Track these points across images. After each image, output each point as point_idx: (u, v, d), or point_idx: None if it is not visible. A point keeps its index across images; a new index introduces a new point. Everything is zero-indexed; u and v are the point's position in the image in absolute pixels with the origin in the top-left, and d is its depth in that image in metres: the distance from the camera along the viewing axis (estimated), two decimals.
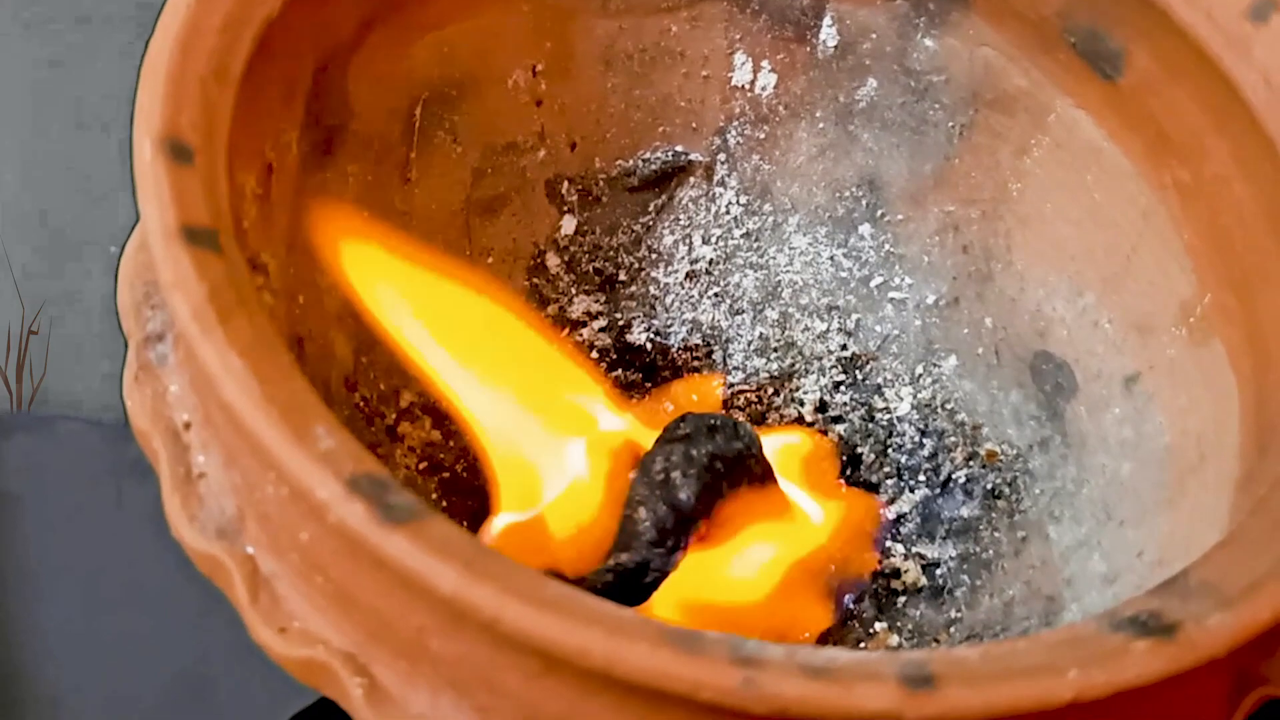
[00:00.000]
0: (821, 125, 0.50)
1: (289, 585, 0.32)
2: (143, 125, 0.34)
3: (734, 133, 0.51)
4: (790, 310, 0.51)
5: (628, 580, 0.40)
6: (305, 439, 0.29)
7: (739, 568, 0.44)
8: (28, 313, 0.58)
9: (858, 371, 0.50)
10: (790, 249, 0.51)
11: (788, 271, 0.51)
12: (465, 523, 0.44)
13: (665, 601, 0.42)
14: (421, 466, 0.46)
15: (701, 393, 0.49)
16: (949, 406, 0.49)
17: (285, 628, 0.31)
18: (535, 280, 0.50)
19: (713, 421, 0.43)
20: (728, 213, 0.51)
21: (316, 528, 0.30)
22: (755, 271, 0.51)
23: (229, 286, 0.31)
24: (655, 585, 0.41)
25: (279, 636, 0.31)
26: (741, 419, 0.46)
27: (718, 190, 0.51)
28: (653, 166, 0.51)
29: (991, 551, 0.46)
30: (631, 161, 0.51)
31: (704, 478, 0.41)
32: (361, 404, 0.45)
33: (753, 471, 0.43)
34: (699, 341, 0.50)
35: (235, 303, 0.31)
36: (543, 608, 0.28)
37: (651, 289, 0.51)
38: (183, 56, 0.35)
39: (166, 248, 0.31)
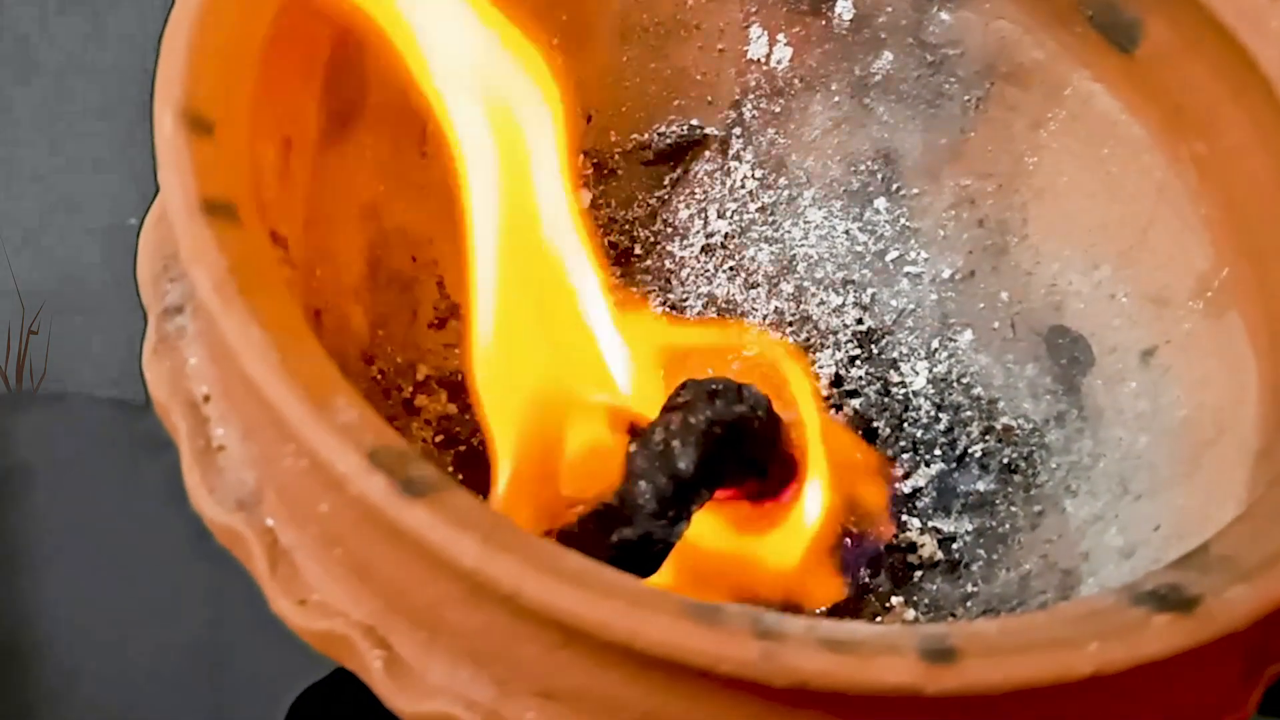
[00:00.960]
0: (837, 99, 0.50)
1: (308, 556, 0.32)
2: (164, 97, 0.33)
3: (749, 106, 0.51)
4: (805, 284, 0.51)
5: (632, 553, 0.40)
6: (326, 411, 0.29)
7: (750, 537, 0.44)
8: (28, 313, 0.58)
9: (873, 346, 0.50)
10: (805, 223, 0.51)
11: (803, 245, 0.51)
12: (482, 496, 0.44)
13: (676, 571, 0.42)
14: (438, 440, 0.46)
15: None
16: (965, 381, 0.49)
17: (304, 599, 0.31)
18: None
19: (713, 387, 0.42)
20: (743, 186, 0.51)
21: (336, 499, 0.30)
22: (770, 245, 0.51)
23: (249, 259, 0.31)
24: (663, 556, 0.41)
25: (298, 608, 0.31)
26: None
27: (733, 164, 0.51)
28: (668, 140, 0.51)
29: (1008, 525, 0.46)
30: (647, 135, 0.51)
31: (703, 445, 0.41)
32: (378, 377, 0.45)
33: (758, 436, 0.43)
34: (714, 315, 0.50)
35: (256, 276, 0.31)
36: (563, 580, 0.28)
37: (667, 263, 0.51)
38: (203, 29, 0.35)
39: (187, 220, 0.31)
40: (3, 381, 0.57)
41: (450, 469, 0.45)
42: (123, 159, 0.61)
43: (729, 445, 0.41)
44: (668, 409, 0.42)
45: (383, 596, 0.31)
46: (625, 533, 0.40)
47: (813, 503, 0.44)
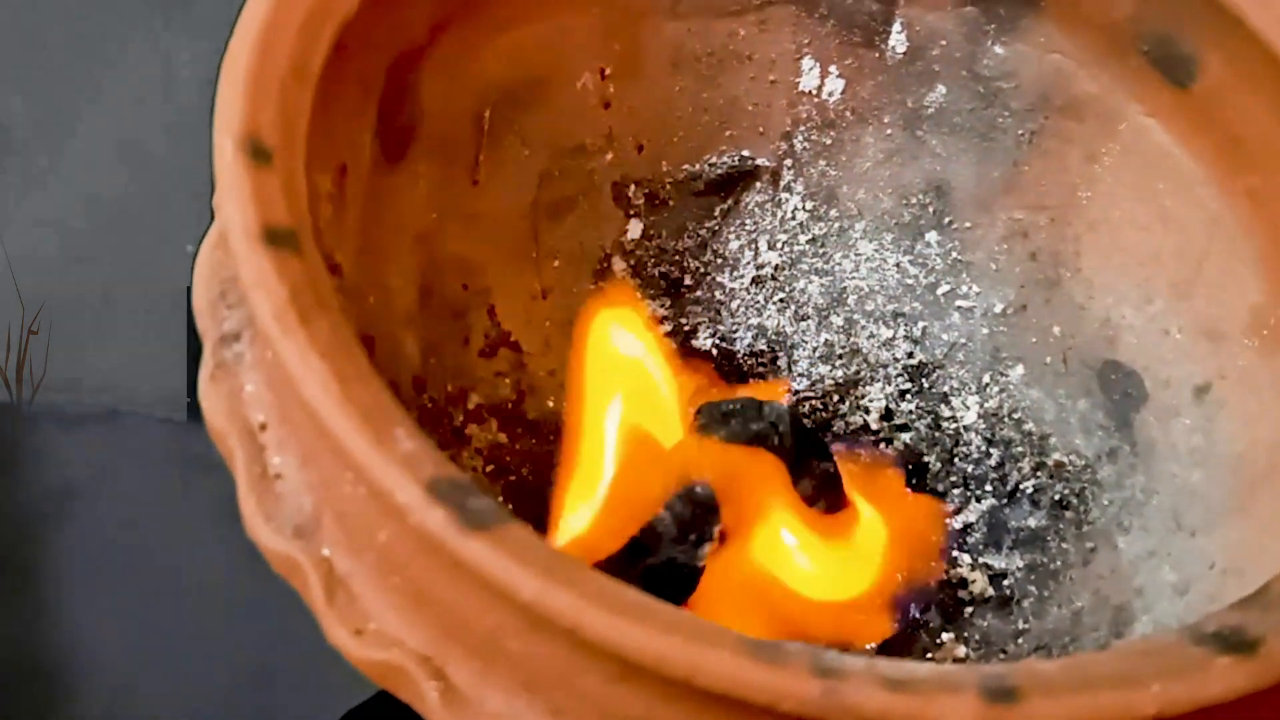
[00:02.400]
0: (889, 130, 0.50)
1: (365, 585, 0.32)
2: (223, 124, 0.34)
3: (800, 137, 0.50)
4: (856, 317, 0.50)
5: (660, 580, 0.40)
6: (386, 441, 0.29)
7: (799, 571, 0.44)
8: (28, 313, 0.58)
9: (924, 379, 0.50)
10: (856, 255, 0.51)
11: (853, 278, 0.51)
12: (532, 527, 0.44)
13: (725, 606, 0.42)
14: (488, 469, 0.46)
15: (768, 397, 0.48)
16: (1016, 415, 0.49)
17: (361, 629, 0.31)
18: (601, 284, 0.50)
19: (728, 407, 0.42)
20: (793, 218, 0.51)
21: (395, 529, 0.30)
22: (821, 277, 0.51)
23: (309, 288, 0.31)
24: (692, 581, 0.41)
25: (355, 638, 0.31)
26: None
27: (784, 195, 0.51)
28: (719, 170, 0.50)
29: (1059, 561, 0.46)
30: (698, 165, 0.50)
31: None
32: (429, 404, 0.45)
33: (779, 452, 0.42)
34: (764, 347, 0.50)
35: (315, 304, 0.31)
36: (622, 614, 0.28)
37: (717, 294, 0.51)
38: (262, 56, 0.35)
39: (248, 248, 0.31)
40: (3, 382, 0.57)
41: (500, 499, 0.45)
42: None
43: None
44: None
45: (439, 626, 0.31)
46: (650, 561, 0.40)
47: (864, 539, 0.44)
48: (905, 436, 0.49)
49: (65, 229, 0.63)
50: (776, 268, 0.51)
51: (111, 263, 0.61)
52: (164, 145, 0.69)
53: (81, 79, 0.70)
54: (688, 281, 0.51)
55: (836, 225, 0.51)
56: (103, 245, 0.63)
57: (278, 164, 0.34)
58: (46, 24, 0.71)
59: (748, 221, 0.51)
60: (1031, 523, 0.47)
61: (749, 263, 0.51)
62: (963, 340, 0.50)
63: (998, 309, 0.49)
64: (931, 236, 0.50)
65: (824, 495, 0.44)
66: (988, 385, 0.49)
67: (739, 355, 0.50)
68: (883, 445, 0.48)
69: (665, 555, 0.40)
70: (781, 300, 0.51)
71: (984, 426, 0.49)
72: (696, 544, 0.40)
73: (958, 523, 0.47)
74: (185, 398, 0.60)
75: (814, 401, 0.49)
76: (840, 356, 0.50)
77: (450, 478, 0.29)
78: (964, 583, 0.46)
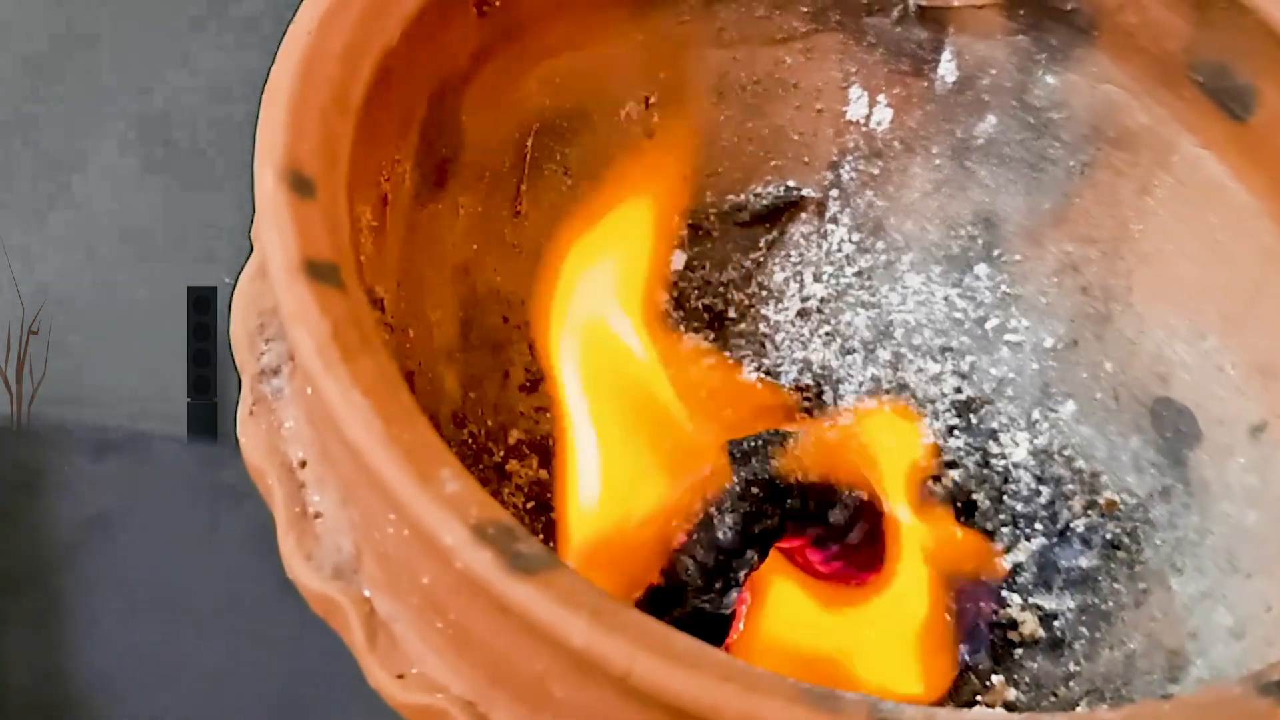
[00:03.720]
0: (937, 161, 0.49)
1: (408, 628, 0.31)
2: (265, 156, 0.33)
3: (847, 167, 0.50)
4: (903, 351, 0.50)
5: (690, 629, 0.39)
6: (430, 481, 0.29)
7: (850, 617, 0.43)
8: (28, 313, 0.58)
9: (972, 415, 0.49)
10: (903, 288, 0.50)
11: (900, 311, 0.50)
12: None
13: (772, 654, 0.41)
14: (529, 505, 0.45)
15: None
16: (1066, 453, 0.48)
17: (403, 673, 0.31)
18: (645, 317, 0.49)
19: (747, 445, 0.41)
20: (839, 250, 0.50)
21: (439, 570, 0.29)
22: (867, 310, 0.50)
23: (351, 323, 0.31)
24: (722, 627, 0.40)
25: (397, 682, 0.31)
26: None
27: (829, 226, 0.50)
28: (764, 201, 0.50)
29: (1111, 603, 0.45)
30: (743, 196, 0.50)
31: (740, 508, 0.40)
32: (469, 440, 0.44)
33: (805, 486, 0.41)
34: (810, 381, 0.49)
35: (358, 340, 0.30)
36: (675, 662, 0.27)
37: (762, 327, 0.50)
38: (304, 86, 0.34)
39: (289, 283, 0.31)
40: (2, 382, 0.57)
41: (541, 536, 0.45)
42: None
43: (772, 500, 0.40)
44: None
45: (484, 671, 0.30)
46: (676, 612, 0.40)
47: (910, 584, 0.43)
48: (954, 474, 0.48)
49: (78, 243, 0.63)
50: (822, 300, 0.50)
51: (113, 270, 0.60)
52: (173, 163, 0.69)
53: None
54: (732, 314, 0.50)
55: (883, 257, 0.50)
56: (111, 256, 0.63)
57: (320, 196, 0.33)
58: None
59: (793, 253, 0.50)
60: (1083, 562, 0.46)
61: (794, 295, 0.50)
62: (1012, 375, 0.49)
63: (1048, 344, 0.49)
64: (980, 269, 0.49)
65: (858, 528, 0.43)
66: (1037, 421, 0.48)
67: (784, 389, 0.49)
68: (931, 483, 0.47)
69: (692, 605, 0.40)
70: (827, 333, 0.50)
71: (1034, 464, 0.48)
72: (723, 592, 0.40)
73: (1007, 563, 0.46)
74: (184, 397, 0.60)
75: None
76: (887, 391, 0.49)
77: (497, 520, 0.28)
78: (1014, 624, 0.45)
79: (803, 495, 0.41)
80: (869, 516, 0.43)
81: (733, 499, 0.40)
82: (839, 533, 0.43)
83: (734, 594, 0.40)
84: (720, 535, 0.39)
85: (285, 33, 0.36)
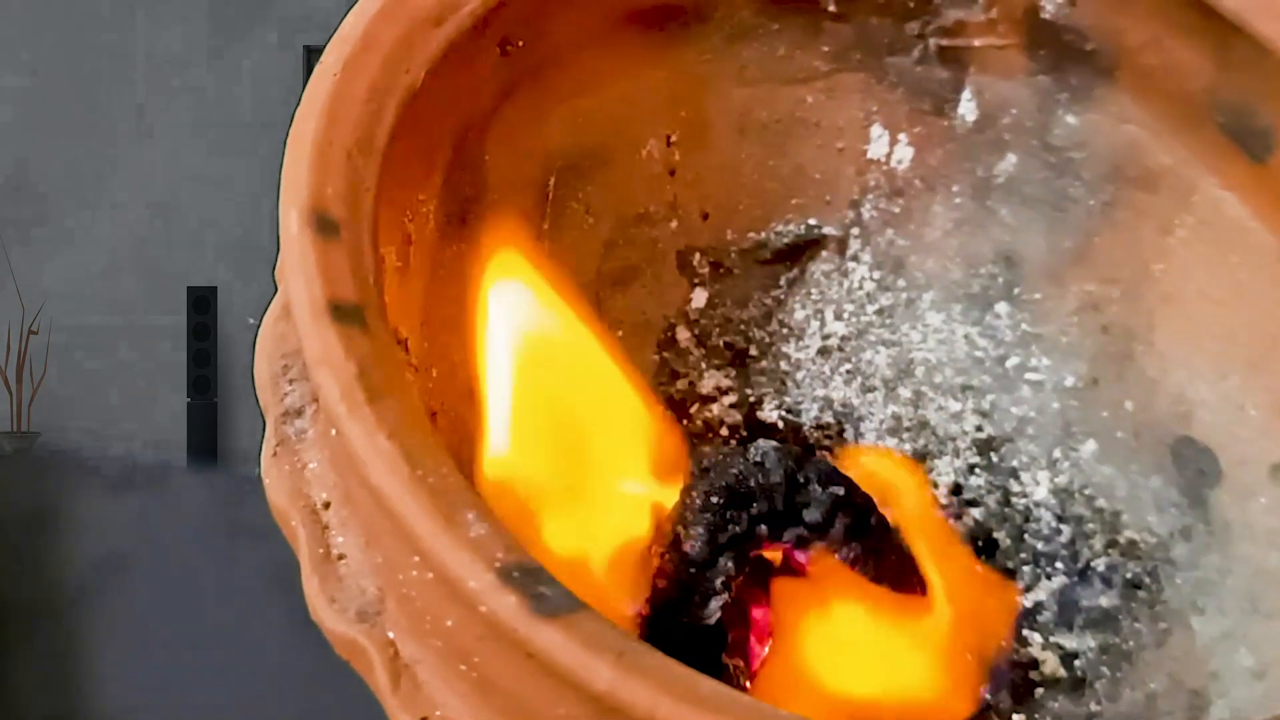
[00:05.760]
0: (958, 200, 0.49)
1: (431, 672, 0.31)
2: (290, 197, 0.33)
3: (868, 206, 0.50)
4: (924, 389, 0.50)
5: (684, 648, 0.39)
6: (455, 525, 0.29)
7: (866, 653, 0.43)
8: (27, 313, 0.58)
9: (993, 454, 0.49)
10: (924, 326, 0.50)
11: (921, 349, 0.50)
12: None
13: (793, 689, 0.41)
14: None
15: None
16: (1087, 492, 0.48)
17: (427, 716, 0.31)
18: (665, 354, 0.49)
19: (708, 461, 0.41)
20: (860, 288, 0.50)
21: (464, 614, 0.29)
22: (888, 349, 0.50)
23: (377, 365, 0.31)
24: (716, 638, 0.40)
25: None
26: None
27: (850, 264, 0.50)
28: (785, 239, 0.50)
29: (1132, 643, 0.45)
30: (764, 234, 0.50)
31: (705, 520, 0.40)
32: None
33: (771, 489, 0.41)
34: (830, 420, 0.49)
35: (383, 382, 0.31)
36: (700, 706, 0.27)
37: (782, 364, 0.50)
38: (329, 127, 0.35)
39: (314, 325, 0.31)
40: (2, 382, 0.57)
41: None
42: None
43: (739, 506, 0.40)
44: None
45: (507, 715, 0.30)
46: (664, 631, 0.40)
47: (932, 620, 0.43)
48: (975, 512, 0.47)
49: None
50: (843, 338, 0.50)
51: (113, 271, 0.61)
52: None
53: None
54: (753, 352, 0.50)
55: (904, 296, 0.50)
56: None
57: (345, 237, 0.33)
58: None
59: (814, 291, 0.50)
60: (1103, 602, 0.46)
61: (815, 333, 0.50)
62: (1033, 414, 0.49)
63: (1069, 383, 0.49)
64: (1001, 308, 0.49)
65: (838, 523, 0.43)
66: (1058, 460, 0.48)
67: (805, 428, 0.49)
68: (952, 520, 0.47)
69: (676, 622, 0.40)
70: (848, 372, 0.50)
71: (1055, 503, 0.48)
72: (701, 604, 0.40)
73: (1028, 601, 0.46)
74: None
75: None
76: (908, 430, 0.49)
77: (522, 563, 0.28)
78: (1035, 663, 0.45)
79: (768, 497, 0.41)
80: (851, 511, 0.43)
81: (693, 512, 0.40)
82: (819, 530, 0.42)
83: (715, 603, 0.40)
84: (689, 549, 0.39)
85: None
